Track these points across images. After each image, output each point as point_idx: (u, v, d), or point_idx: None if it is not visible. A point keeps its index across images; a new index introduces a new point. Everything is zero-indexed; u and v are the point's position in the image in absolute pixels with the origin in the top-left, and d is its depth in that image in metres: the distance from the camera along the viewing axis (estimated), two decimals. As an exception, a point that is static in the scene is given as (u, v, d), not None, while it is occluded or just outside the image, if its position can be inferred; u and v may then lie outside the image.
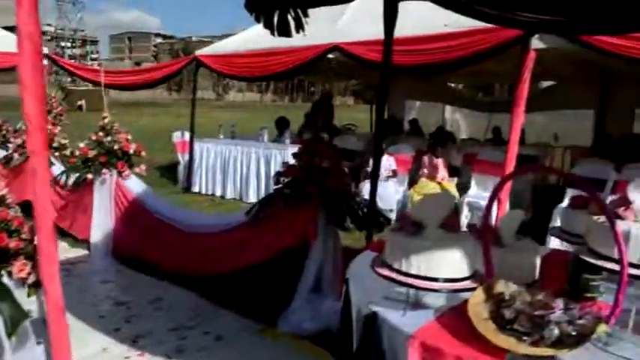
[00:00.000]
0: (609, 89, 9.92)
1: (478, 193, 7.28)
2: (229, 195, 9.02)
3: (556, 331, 1.61)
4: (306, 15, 2.98)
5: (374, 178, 4.15)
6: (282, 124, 9.83)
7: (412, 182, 7.63)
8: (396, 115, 12.42)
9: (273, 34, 2.82)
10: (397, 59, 6.73)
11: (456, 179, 7.60)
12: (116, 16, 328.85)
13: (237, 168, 8.88)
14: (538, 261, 2.26)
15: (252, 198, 8.32)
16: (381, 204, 7.44)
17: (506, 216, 2.30)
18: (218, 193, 9.17)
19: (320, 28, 7.98)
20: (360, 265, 2.29)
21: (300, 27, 2.91)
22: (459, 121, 13.46)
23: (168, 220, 5.21)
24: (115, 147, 5.64)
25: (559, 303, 1.73)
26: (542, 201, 8.02)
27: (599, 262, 1.76)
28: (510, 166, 6.13)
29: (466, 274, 1.88)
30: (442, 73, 8.46)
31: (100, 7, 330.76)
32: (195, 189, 9.44)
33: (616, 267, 1.62)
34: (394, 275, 1.87)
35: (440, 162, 7.39)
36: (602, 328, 1.62)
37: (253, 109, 42.73)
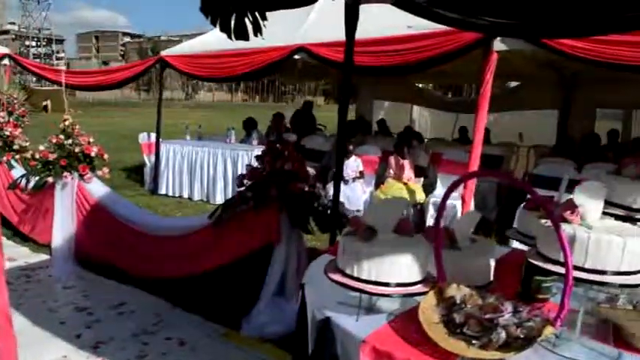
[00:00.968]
0: (572, 90, 10.13)
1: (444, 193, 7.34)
2: (196, 197, 8.94)
3: (503, 335, 1.63)
4: (264, 18, 2.95)
5: (337, 179, 4.15)
6: (249, 125, 9.78)
7: (379, 183, 7.66)
8: (365, 115, 12.49)
9: (230, 37, 2.79)
10: (362, 60, 6.79)
11: (422, 179, 7.66)
12: (83, 15, 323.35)
13: (203, 169, 8.81)
14: (493, 263, 2.29)
15: (220, 199, 8.26)
16: (348, 205, 7.50)
17: (461, 218, 2.31)
18: (185, 194, 9.07)
19: (286, 29, 8.01)
20: (317, 269, 2.29)
21: (258, 31, 2.89)
22: (426, 121, 13.59)
23: (132, 224, 5.14)
24: (76, 150, 5.53)
25: (508, 306, 1.75)
26: (507, 201, 8.15)
27: (547, 266, 1.78)
28: (474, 166, 6.23)
29: (418, 278, 1.89)
30: (405, 74, 8.53)
31: (66, 6, 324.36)
32: (162, 191, 9.32)
33: (562, 270, 1.64)
34: (346, 281, 1.88)
35: (406, 163, 7.43)
36: (549, 330, 1.64)
37: (224, 109, 42.37)
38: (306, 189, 4.34)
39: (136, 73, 9.15)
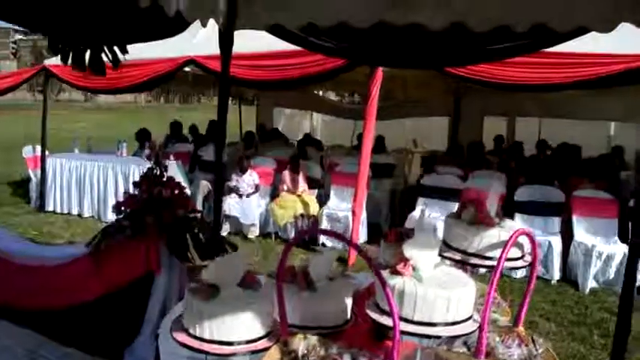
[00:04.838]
0: (461, 98, 10.62)
1: (336, 204, 7.49)
2: (86, 213, 8.53)
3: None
4: (125, 52, 2.87)
5: (217, 206, 4.08)
6: (142, 137, 9.47)
7: (274, 196, 7.69)
8: (266, 123, 12.45)
9: (84, 72, 2.67)
10: (249, 74, 6.84)
11: (316, 191, 7.75)
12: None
13: (93, 184, 8.41)
14: (350, 302, 2.33)
15: (111, 216, 7.90)
16: (243, 219, 7.48)
17: (317, 258, 2.35)
18: (74, 211, 8.63)
19: (177, 41, 7.82)
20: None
21: (116, 64, 2.80)
22: (326, 128, 13.80)
23: (2, 253, 4.82)
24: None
25: (347, 357, 1.79)
26: (400, 207, 8.43)
27: (381, 318, 1.84)
28: (363, 177, 6.42)
29: (262, 332, 1.89)
30: (292, 88, 8.60)
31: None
32: (50, 208, 8.82)
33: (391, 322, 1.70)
34: (189, 341, 1.85)
35: (300, 176, 7.52)
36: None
37: (126, 112, 40.69)
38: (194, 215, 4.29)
39: (13, 84, 8.58)
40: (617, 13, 2.39)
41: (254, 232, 7.53)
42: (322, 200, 7.82)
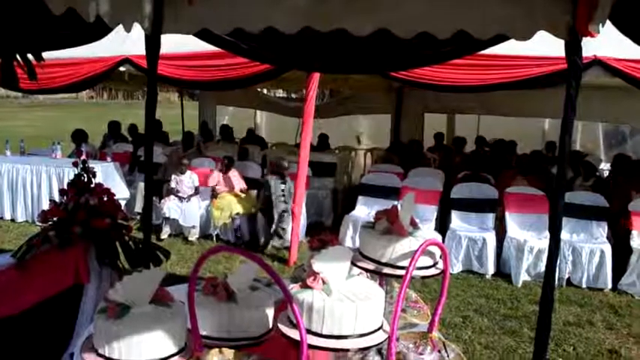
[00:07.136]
0: (402, 96, 10.77)
1: (277, 204, 7.48)
2: (20, 218, 8.23)
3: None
4: (40, 59, 2.77)
5: (147, 211, 3.98)
6: (78, 137, 9.20)
7: (214, 197, 7.63)
8: (208, 120, 12.31)
9: (-6, 84, 2.58)
10: (188, 74, 6.77)
11: (255, 191, 7.73)
12: None
13: (27, 188, 8.14)
14: (271, 312, 2.33)
15: (46, 220, 7.67)
16: (183, 221, 7.40)
17: (237, 271, 2.34)
18: (7, 216, 8.32)
19: (112, 40, 7.63)
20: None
21: (32, 76, 2.70)
22: (271, 124, 13.78)
23: None
24: None
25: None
26: (343, 206, 8.51)
27: (290, 332, 1.85)
28: (302, 177, 6.45)
29: (174, 349, 1.87)
30: (232, 88, 8.55)
31: None
32: (-20, 213, 8.48)
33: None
34: (97, 362, 1.82)
35: (231, 176, 7.52)
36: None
37: (67, 108, 39.20)
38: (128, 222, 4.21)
39: None
40: (532, 22, 2.48)
41: (195, 235, 7.45)
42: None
